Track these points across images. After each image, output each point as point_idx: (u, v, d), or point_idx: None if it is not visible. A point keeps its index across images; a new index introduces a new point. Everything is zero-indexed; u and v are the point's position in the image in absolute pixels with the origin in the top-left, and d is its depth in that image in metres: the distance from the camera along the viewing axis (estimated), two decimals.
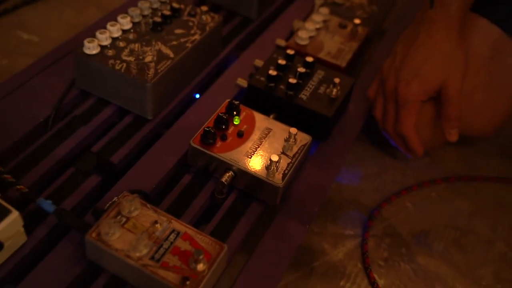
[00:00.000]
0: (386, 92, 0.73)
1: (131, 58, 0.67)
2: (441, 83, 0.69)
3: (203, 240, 0.51)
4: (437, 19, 0.70)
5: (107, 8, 1.09)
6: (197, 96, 0.76)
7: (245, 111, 0.66)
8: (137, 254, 0.48)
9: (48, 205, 0.53)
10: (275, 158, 0.59)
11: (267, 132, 0.64)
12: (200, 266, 0.48)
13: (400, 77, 0.70)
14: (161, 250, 0.49)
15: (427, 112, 0.74)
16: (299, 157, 0.62)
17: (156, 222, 0.51)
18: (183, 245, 0.50)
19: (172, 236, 0.50)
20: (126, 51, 0.68)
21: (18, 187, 0.54)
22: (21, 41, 0.99)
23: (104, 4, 1.11)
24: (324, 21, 0.85)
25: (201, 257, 0.48)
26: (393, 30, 0.94)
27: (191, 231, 0.51)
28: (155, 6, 0.76)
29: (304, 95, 0.69)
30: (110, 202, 0.53)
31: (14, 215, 0.49)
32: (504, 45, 0.73)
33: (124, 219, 0.51)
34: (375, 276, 0.68)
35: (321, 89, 0.70)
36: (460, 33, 0.70)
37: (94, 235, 0.49)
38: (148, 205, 0.53)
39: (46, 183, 0.59)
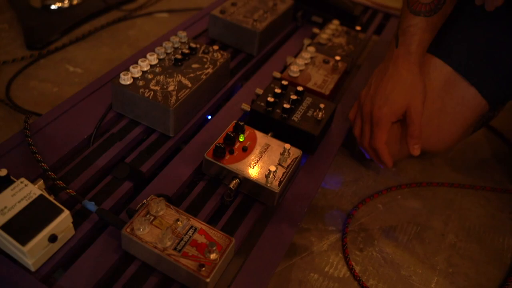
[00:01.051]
0: (363, 114, 0.73)
1: (157, 87, 0.67)
2: (405, 107, 0.69)
3: (215, 234, 0.51)
4: (401, 56, 0.70)
5: (136, 45, 1.09)
6: (209, 117, 0.75)
7: (248, 130, 0.66)
8: (163, 246, 0.48)
9: (91, 206, 0.53)
10: (272, 168, 0.59)
11: (266, 147, 0.64)
12: (213, 256, 0.48)
13: (374, 102, 0.70)
14: (182, 243, 0.49)
15: (395, 131, 0.73)
16: (292, 168, 0.62)
17: (178, 220, 0.51)
18: (200, 238, 0.50)
19: (190, 231, 0.51)
20: (153, 81, 0.68)
21: (68, 191, 0.54)
22: (68, 72, 0.98)
23: (133, 42, 1.10)
24: (311, 58, 0.84)
25: (214, 248, 0.48)
26: (367, 65, 0.93)
27: (205, 227, 0.52)
28: (176, 45, 0.76)
29: (296, 117, 0.69)
30: (141, 204, 0.53)
31: (65, 214, 0.49)
32: (455, 80, 0.73)
33: (152, 217, 0.51)
34: (353, 263, 0.68)
35: (309, 113, 0.70)
36: (419, 67, 0.70)
37: (128, 230, 0.49)
38: (171, 206, 0.53)
39: (90, 188, 0.59)
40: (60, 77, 0.97)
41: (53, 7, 1.15)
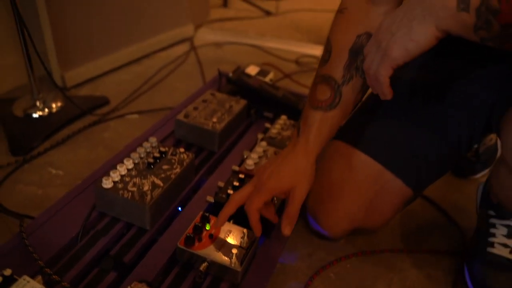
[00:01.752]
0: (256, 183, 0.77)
1: (134, 189, 0.79)
2: (290, 188, 0.74)
3: None
4: (300, 143, 0.77)
5: (111, 146, 1.20)
6: (180, 209, 0.87)
7: (213, 219, 0.77)
8: None
9: None
10: (234, 251, 0.71)
11: (229, 233, 0.76)
12: None
13: (265, 171, 0.76)
14: None
15: (364, 202, 0.85)
16: (251, 249, 0.74)
17: None
18: None
19: None
20: (131, 184, 0.80)
21: (63, 284, 0.65)
22: (51, 175, 1.08)
23: (109, 144, 1.21)
24: (264, 151, 0.97)
25: None
26: None
27: None
28: (148, 150, 0.89)
29: None
30: None
31: None
32: (384, 175, 0.85)
33: None
34: None
35: None
36: (315, 156, 0.77)
37: None
38: None
39: (81, 279, 0.69)
40: (44, 180, 1.07)
41: (34, 115, 1.28)
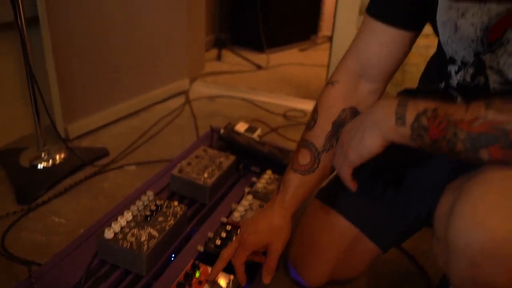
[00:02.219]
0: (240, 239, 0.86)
1: (133, 239, 0.89)
2: (268, 242, 0.85)
3: None
4: (278, 201, 0.88)
5: (111, 196, 1.31)
6: (173, 256, 0.96)
7: (202, 267, 0.87)
8: None
9: None
10: None
11: (217, 279, 0.86)
12: None
13: (246, 229, 0.86)
14: None
15: (343, 256, 0.96)
16: None
17: None
18: None
19: None
20: (130, 234, 0.90)
21: None
22: (54, 223, 1.17)
23: (108, 194, 1.31)
24: (250, 204, 1.07)
25: None
26: None
27: None
28: (145, 203, 1.00)
29: None
30: None
31: None
32: (360, 238, 0.96)
33: None
34: None
35: None
36: (291, 214, 0.88)
37: None
38: None
39: None
40: (47, 228, 1.16)
41: (39, 166, 1.39)
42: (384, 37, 0.83)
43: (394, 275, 1.13)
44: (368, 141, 0.72)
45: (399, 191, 0.97)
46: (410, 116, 0.67)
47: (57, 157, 1.43)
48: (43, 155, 1.41)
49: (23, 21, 1.24)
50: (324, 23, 3.51)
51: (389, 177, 0.98)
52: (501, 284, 0.59)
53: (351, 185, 0.78)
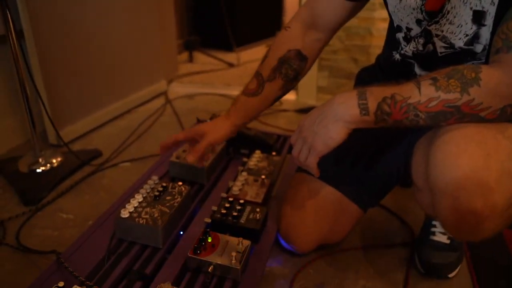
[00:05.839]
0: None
1: (147, 216, 0.98)
2: (205, 131, 1.04)
3: None
4: (224, 113, 1.09)
5: (111, 191, 1.38)
6: (181, 233, 1.05)
7: (213, 234, 0.96)
8: None
9: None
10: (234, 254, 0.90)
11: (226, 242, 0.95)
12: None
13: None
14: None
15: (329, 218, 1.07)
16: (246, 253, 0.93)
17: None
18: None
19: None
20: (143, 212, 0.99)
21: None
22: (63, 219, 1.24)
23: (108, 189, 1.39)
24: (245, 179, 1.18)
25: None
26: (282, 178, 1.30)
27: None
28: (152, 186, 1.09)
29: (242, 220, 1.01)
30: None
31: None
32: (343, 201, 1.07)
33: None
34: None
35: (251, 215, 1.02)
36: (231, 122, 1.07)
37: None
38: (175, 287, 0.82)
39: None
40: (58, 224, 1.23)
41: (38, 170, 1.45)
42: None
43: (379, 229, 1.25)
44: (333, 132, 0.80)
45: (381, 149, 1.09)
46: (372, 106, 0.78)
47: (54, 161, 1.49)
48: (40, 160, 1.47)
49: (13, 35, 1.30)
50: (287, 18, 3.64)
51: (371, 138, 1.10)
52: (479, 208, 0.71)
53: (316, 173, 0.88)
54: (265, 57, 1.05)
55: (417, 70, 0.97)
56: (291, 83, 1.06)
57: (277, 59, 1.03)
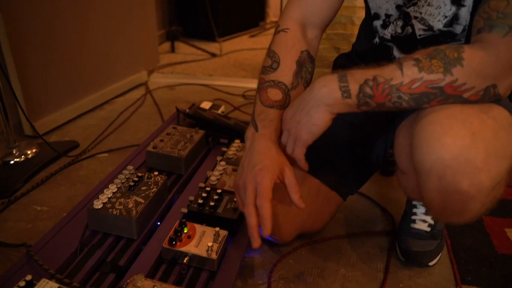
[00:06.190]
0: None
1: (121, 207, 0.95)
2: (280, 169, 0.82)
3: None
4: (265, 136, 0.85)
5: (87, 182, 1.34)
6: (158, 223, 1.02)
7: (189, 224, 0.94)
8: None
9: None
10: (210, 244, 0.88)
11: (203, 233, 0.93)
12: None
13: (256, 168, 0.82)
14: None
15: (317, 207, 1.04)
16: (223, 243, 0.91)
17: (154, 286, 0.78)
18: None
19: None
20: (117, 203, 0.96)
21: (74, 284, 0.79)
22: (37, 211, 1.20)
23: (85, 180, 1.35)
24: (224, 169, 1.15)
25: None
26: None
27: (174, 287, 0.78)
28: (127, 176, 1.06)
29: (219, 210, 0.98)
30: (126, 283, 0.79)
31: None
32: (322, 188, 1.05)
33: None
34: None
35: (228, 205, 1.00)
36: (276, 145, 0.85)
37: None
38: (148, 279, 0.79)
39: (86, 281, 0.83)
40: (31, 216, 1.19)
41: (11, 162, 1.41)
42: None
43: (360, 220, 1.24)
44: (316, 118, 0.77)
45: (362, 136, 1.08)
46: (353, 88, 0.75)
47: (29, 152, 1.45)
48: (14, 151, 1.43)
49: None
50: (271, 9, 3.61)
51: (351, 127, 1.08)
52: (465, 187, 0.70)
53: (304, 165, 0.84)
54: (275, 63, 0.93)
55: (396, 53, 0.95)
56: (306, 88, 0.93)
57: (294, 62, 0.94)
